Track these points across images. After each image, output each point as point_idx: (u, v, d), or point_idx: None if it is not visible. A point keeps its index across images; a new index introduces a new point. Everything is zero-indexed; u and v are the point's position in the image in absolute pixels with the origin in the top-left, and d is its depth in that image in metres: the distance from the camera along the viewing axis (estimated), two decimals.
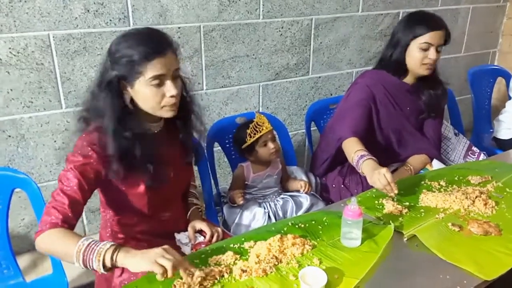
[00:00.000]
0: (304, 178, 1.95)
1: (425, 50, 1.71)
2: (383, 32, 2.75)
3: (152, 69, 1.17)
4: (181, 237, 1.46)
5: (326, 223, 1.35)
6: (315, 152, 2.03)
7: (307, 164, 2.74)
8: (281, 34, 2.40)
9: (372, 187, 1.61)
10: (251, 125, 1.76)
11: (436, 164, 1.86)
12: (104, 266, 1.02)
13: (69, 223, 1.13)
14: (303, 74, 2.53)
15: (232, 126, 1.90)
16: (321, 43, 2.55)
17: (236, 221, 1.74)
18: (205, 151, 1.84)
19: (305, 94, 2.56)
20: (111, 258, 1.02)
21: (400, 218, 1.36)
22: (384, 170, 1.42)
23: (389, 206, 1.42)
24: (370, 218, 1.37)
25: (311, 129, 2.17)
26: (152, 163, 1.28)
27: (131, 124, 1.23)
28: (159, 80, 1.19)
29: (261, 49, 2.37)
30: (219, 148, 1.98)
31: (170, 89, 1.21)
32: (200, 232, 1.46)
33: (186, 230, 1.47)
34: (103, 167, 1.22)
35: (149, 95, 1.21)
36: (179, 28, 2.11)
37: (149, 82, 1.18)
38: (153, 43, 1.19)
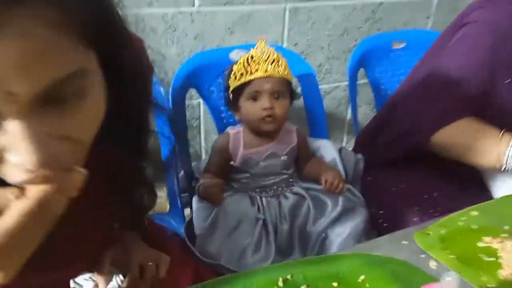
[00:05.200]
0: (338, 162, 1.16)
1: None
2: None
3: None
4: (82, 282, 0.77)
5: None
6: (364, 134, 1.23)
7: (348, 138, 1.93)
8: None
9: (468, 200, 0.79)
10: (241, 60, 0.99)
11: None
12: None
13: None
14: None
15: (223, 63, 1.12)
16: None
17: (206, 227, 1.00)
18: (170, 103, 1.09)
19: (355, 28, 1.70)
20: None
21: None
22: None
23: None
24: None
25: (358, 82, 1.35)
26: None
27: None
28: None
29: None
30: (199, 100, 1.22)
31: None
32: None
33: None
34: None
35: None
36: None
37: None
38: None
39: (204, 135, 1.68)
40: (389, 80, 1.35)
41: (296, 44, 1.64)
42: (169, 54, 1.47)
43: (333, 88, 1.79)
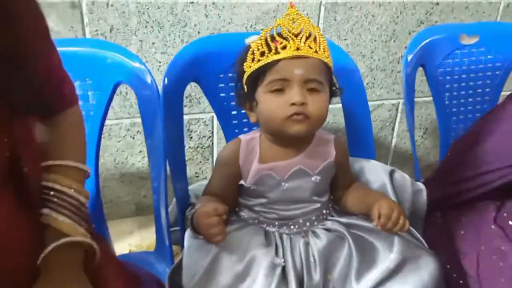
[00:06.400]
0: (389, 190, 0.83)
1: None
2: None
3: None
4: None
5: None
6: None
7: (392, 161, 1.59)
8: None
9: None
10: (263, 34, 0.71)
11: None
12: None
13: None
14: None
15: (237, 51, 0.83)
16: None
17: (199, 274, 0.68)
18: (161, 102, 0.80)
19: (405, 32, 1.40)
20: None
21: None
22: None
23: None
24: None
25: (417, 98, 1.03)
26: None
27: None
28: None
29: None
30: (212, 113, 0.93)
31: None
32: None
33: None
34: None
35: None
36: None
37: None
38: None
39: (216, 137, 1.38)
40: (456, 85, 1.03)
41: None
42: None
43: (375, 107, 1.47)
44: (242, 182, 0.75)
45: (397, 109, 1.50)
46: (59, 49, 0.82)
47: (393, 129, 1.53)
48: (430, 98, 1.50)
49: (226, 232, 0.71)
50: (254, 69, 0.71)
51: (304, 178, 0.74)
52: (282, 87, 0.69)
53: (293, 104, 0.68)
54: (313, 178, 0.74)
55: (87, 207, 0.60)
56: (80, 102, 0.84)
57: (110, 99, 0.84)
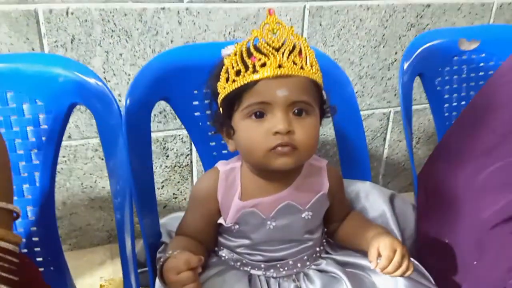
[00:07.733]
0: (389, 218, 0.73)
1: None
2: None
3: None
4: None
5: None
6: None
7: (384, 182, 1.50)
8: None
9: None
10: (238, 48, 0.59)
11: None
12: None
13: None
14: None
15: (212, 64, 0.71)
16: None
17: None
18: (123, 124, 0.68)
19: (395, 36, 1.30)
20: None
21: None
22: None
23: None
24: None
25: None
26: None
27: None
28: None
29: None
30: (170, 114, 0.81)
31: None
32: None
33: None
34: None
35: None
36: None
37: None
38: None
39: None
40: (455, 95, 0.94)
41: None
42: None
43: (365, 116, 1.37)
44: (221, 221, 0.63)
45: (388, 118, 1.41)
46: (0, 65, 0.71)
47: (384, 140, 1.44)
48: (422, 106, 1.43)
49: (202, 281, 0.59)
50: (229, 91, 0.60)
51: (293, 215, 0.63)
52: (264, 112, 0.58)
53: (276, 133, 0.57)
54: (304, 214, 0.63)
55: (16, 254, 0.49)
56: (30, 127, 0.75)
57: (65, 122, 0.72)
